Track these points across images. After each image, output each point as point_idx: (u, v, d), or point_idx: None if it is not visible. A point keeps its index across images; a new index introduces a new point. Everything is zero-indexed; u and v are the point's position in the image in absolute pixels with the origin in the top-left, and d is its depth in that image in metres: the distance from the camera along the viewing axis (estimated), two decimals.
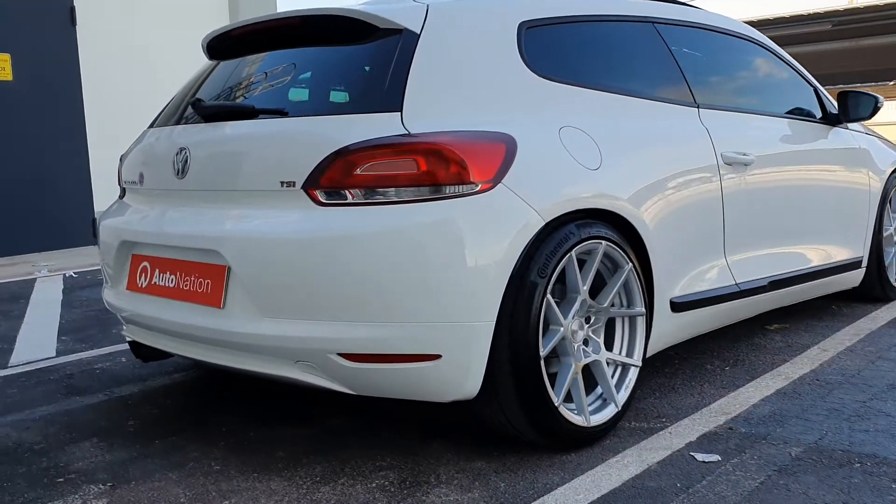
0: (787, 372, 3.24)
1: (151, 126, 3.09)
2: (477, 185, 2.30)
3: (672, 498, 2.19)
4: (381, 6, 2.59)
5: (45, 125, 7.87)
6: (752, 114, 3.53)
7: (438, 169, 2.27)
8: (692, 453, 2.47)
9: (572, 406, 2.51)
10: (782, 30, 16.67)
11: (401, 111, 2.36)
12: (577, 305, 2.51)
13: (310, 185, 2.33)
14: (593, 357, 2.58)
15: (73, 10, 8.04)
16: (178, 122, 2.91)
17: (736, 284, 3.20)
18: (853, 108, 3.95)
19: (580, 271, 2.51)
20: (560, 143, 2.53)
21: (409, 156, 2.28)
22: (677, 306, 2.91)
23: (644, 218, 2.71)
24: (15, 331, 4.55)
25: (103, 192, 8.12)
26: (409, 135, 2.32)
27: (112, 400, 3.22)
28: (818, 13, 17.30)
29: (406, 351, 2.26)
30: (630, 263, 2.63)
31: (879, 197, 4.19)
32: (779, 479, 2.28)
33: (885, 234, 4.31)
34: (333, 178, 2.31)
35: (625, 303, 2.70)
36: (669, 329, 2.92)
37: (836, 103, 4.01)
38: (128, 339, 3.06)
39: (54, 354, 3.97)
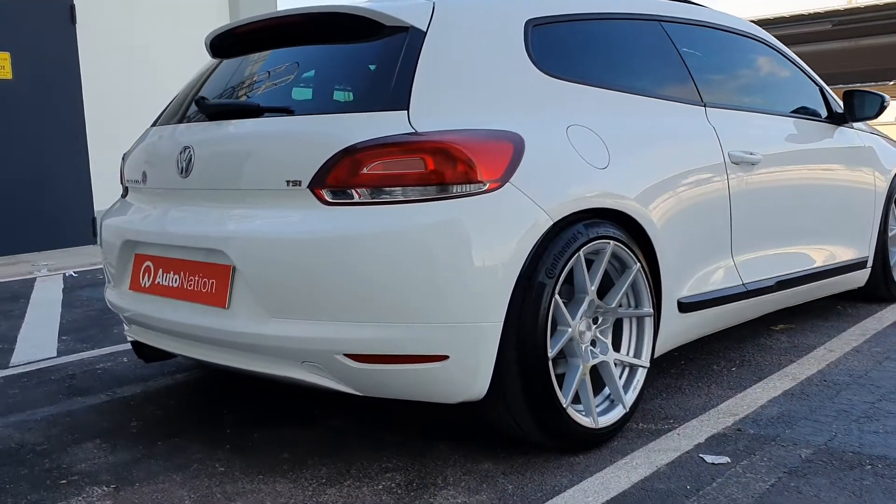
0: (794, 372, 3.22)
1: (154, 124, 3.07)
2: (485, 185, 2.27)
3: (682, 500, 2.17)
4: (386, 3, 2.57)
5: (44, 124, 7.84)
6: (758, 113, 3.51)
7: (446, 168, 2.25)
8: (701, 455, 2.45)
9: (580, 407, 2.49)
10: (782, 29, 16.66)
11: (407, 109, 2.34)
12: (584, 306, 2.49)
13: (316, 185, 2.31)
14: (601, 358, 2.55)
15: (73, 8, 8.02)
16: (181, 121, 2.88)
17: (743, 285, 3.18)
18: (859, 108, 3.93)
19: (588, 271, 2.49)
20: (568, 141, 2.51)
21: (416, 155, 2.26)
22: (685, 307, 2.89)
23: (652, 217, 2.68)
24: (15, 330, 4.52)
25: (103, 192, 8.10)
26: (416, 133, 2.29)
27: (114, 400, 3.19)
28: (818, 13, 17.28)
29: (413, 352, 2.24)
30: (638, 263, 2.61)
31: (885, 196, 4.17)
32: (790, 482, 2.25)
33: (890, 234, 4.29)
34: (340, 178, 2.28)
35: (632, 303, 2.68)
36: (677, 330, 2.90)
37: (841, 103, 4.00)
38: (130, 339, 3.03)
39: (55, 354, 3.95)
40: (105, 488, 2.38)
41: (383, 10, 2.50)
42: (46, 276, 6.45)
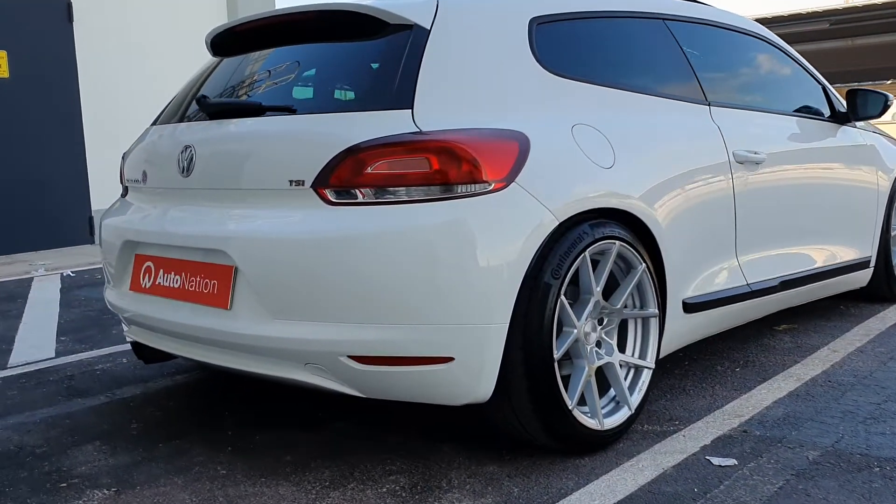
0: (799, 373, 3.20)
1: (154, 123, 3.04)
2: (490, 185, 2.25)
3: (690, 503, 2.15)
4: (390, 1, 2.54)
5: (41, 123, 7.80)
6: (762, 112, 3.49)
7: (450, 168, 2.23)
8: (708, 457, 2.43)
9: (585, 409, 2.47)
10: (780, 28, 16.67)
11: (412, 108, 2.31)
12: (590, 307, 2.46)
13: (319, 184, 2.28)
14: (606, 359, 2.53)
15: (70, 6, 7.98)
16: (181, 120, 2.86)
17: (747, 285, 3.16)
18: (862, 107, 3.91)
19: (593, 272, 2.46)
20: (573, 141, 2.49)
21: (420, 154, 2.23)
22: (689, 307, 2.87)
23: (657, 217, 2.66)
24: (13, 331, 4.49)
25: (100, 191, 8.06)
26: (420, 133, 2.27)
27: (114, 402, 3.16)
28: (816, 12, 17.30)
29: (418, 353, 2.21)
30: (643, 264, 2.59)
31: (887, 196, 4.16)
32: (797, 484, 2.23)
33: (892, 234, 4.28)
34: (343, 177, 2.26)
35: (638, 304, 2.66)
36: (682, 330, 2.88)
37: (844, 101, 3.98)
38: (130, 340, 3.00)
39: (54, 355, 3.92)
40: (106, 491, 2.35)
41: (387, 7, 2.48)
42: (44, 275, 6.41)
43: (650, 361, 2.66)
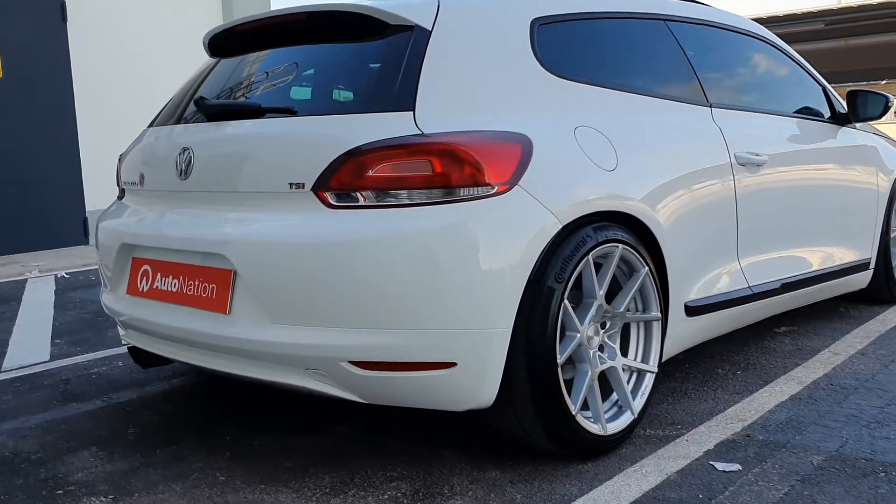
0: (801, 376, 3.18)
1: (151, 125, 3.00)
2: (493, 187, 2.22)
3: None
4: (391, 2, 2.51)
5: (35, 123, 7.75)
6: (763, 113, 3.47)
7: (453, 170, 2.20)
8: (711, 462, 2.41)
9: (588, 414, 2.44)
10: (775, 29, 16.64)
11: (413, 110, 2.29)
12: (593, 311, 2.44)
13: (320, 187, 2.25)
14: (609, 363, 2.51)
15: (63, 5, 7.93)
16: (179, 122, 2.82)
17: (749, 287, 3.14)
18: (862, 108, 3.89)
19: (596, 275, 2.44)
20: (576, 143, 2.46)
21: (422, 156, 2.20)
22: (692, 310, 2.85)
23: (660, 220, 2.64)
24: (7, 333, 4.45)
25: (95, 191, 8.01)
26: (422, 135, 2.24)
27: (110, 406, 3.13)
28: (811, 12, 17.28)
29: (420, 359, 2.19)
30: (646, 267, 2.57)
31: (887, 197, 4.14)
32: (803, 490, 2.21)
33: (892, 235, 4.27)
34: (344, 180, 2.23)
35: (640, 307, 2.64)
36: (684, 334, 2.86)
37: (844, 102, 3.96)
38: (126, 343, 2.97)
39: (49, 358, 3.88)
40: (103, 499, 2.32)
41: (388, 8, 2.45)
42: (38, 277, 6.37)
43: (653, 365, 2.64)
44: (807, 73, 3.91)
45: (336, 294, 2.18)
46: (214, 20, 9.09)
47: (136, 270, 2.71)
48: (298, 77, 2.61)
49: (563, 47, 2.70)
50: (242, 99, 2.72)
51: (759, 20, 17.60)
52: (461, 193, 2.20)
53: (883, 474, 2.30)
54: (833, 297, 4.17)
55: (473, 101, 2.41)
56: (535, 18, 2.65)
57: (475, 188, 2.21)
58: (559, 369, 2.30)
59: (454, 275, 2.16)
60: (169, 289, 2.56)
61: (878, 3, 16.49)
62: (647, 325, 2.66)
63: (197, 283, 2.47)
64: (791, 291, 3.42)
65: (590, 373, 2.43)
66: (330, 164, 2.24)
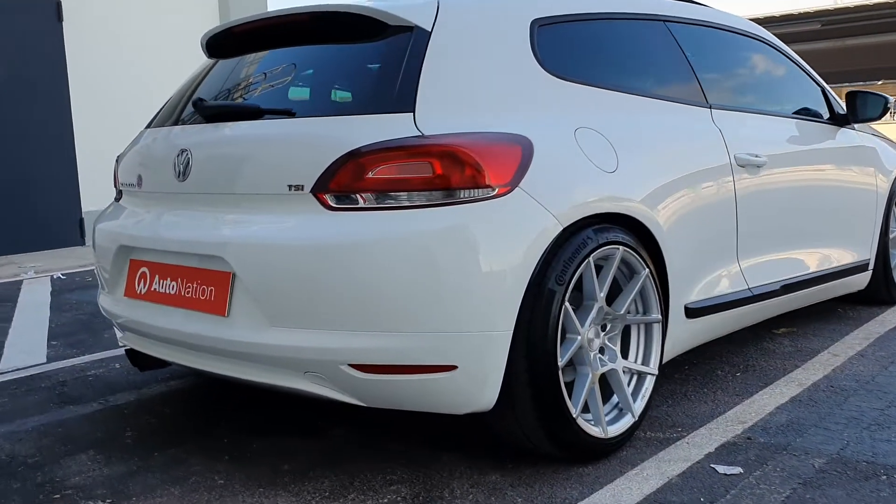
0: (800, 378, 3.18)
1: (149, 126, 2.99)
2: (493, 189, 2.21)
3: None
4: (390, 3, 2.50)
5: (31, 123, 7.72)
6: (762, 114, 3.46)
7: (453, 172, 2.19)
8: (713, 465, 2.39)
9: (589, 417, 2.43)
10: (772, 29, 16.69)
11: (413, 112, 2.27)
12: (594, 313, 2.43)
13: (319, 189, 2.24)
14: (610, 366, 2.50)
15: (59, 5, 7.90)
16: (177, 123, 2.80)
17: (749, 289, 3.14)
18: (861, 109, 3.89)
19: (597, 277, 2.43)
20: (576, 144, 2.45)
21: (423, 158, 2.19)
22: (692, 312, 2.84)
23: (660, 222, 2.63)
24: (3, 335, 4.43)
25: (91, 192, 7.99)
26: (422, 136, 2.23)
27: (107, 409, 3.11)
28: (808, 12, 17.33)
29: (420, 362, 2.17)
30: (647, 269, 2.55)
31: (886, 198, 4.14)
32: (805, 493, 2.20)
33: (891, 236, 4.26)
34: (344, 182, 2.22)
35: (641, 309, 2.63)
36: (684, 336, 2.85)
37: (843, 103, 3.96)
38: (124, 346, 2.95)
39: (45, 360, 3.85)
40: (101, 503, 2.30)
41: (387, 9, 2.44)
42: (33, 278, 6.34)
43: (653, 367, 2.63)
44: (806, 74, 3.90)
45: (336, 297, 2.16)
46: (212, 20, 9.07)
47: (134, 272, 2.69)
48: (297, 78, 2.59)
49: (564, 48, 2.69)
50: (241, 100, 2.71)
51: (757, 20, 17.65)
52: (461, 195, 2.19)
53: (885, 477, 2.29)
54: (832, 299, 4.17)
55: (473, 102, 2.40)
56: (536, 19, 2.64)
57: (475, 190, 2.20)
58: (560, 372, 2.28)
59: (454, 277, 2.14)
60: (167, 291, 2.55)
61: (875, 4, 16.54)
62: (648, 327, 2.65)
63: (195, 285, 2.45)
64: (791, 293, 3.42)
65: (590, 375, 2.42)
66: (329, 166, 2.23)
